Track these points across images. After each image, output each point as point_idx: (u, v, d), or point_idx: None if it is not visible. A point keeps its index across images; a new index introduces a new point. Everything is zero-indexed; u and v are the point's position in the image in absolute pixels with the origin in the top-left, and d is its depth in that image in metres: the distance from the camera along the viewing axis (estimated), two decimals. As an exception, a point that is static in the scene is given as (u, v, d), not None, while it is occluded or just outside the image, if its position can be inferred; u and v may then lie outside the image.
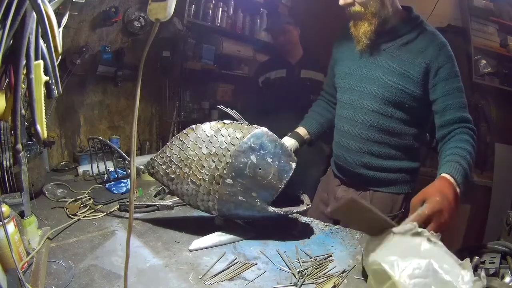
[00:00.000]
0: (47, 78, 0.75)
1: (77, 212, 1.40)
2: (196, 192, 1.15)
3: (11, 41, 0.71)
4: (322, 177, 1.75)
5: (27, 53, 0.71)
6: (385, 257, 0.79)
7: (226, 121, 1.16)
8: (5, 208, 0.91)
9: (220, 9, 2.88)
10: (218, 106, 1.22)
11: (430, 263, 0.74)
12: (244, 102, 2.87)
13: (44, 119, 0.76)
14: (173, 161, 1.17)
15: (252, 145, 1.11)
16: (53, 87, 0.78)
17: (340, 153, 1.52)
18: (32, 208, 1.15)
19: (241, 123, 1.16)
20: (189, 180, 1.15)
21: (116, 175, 1.50)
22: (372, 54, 1.36)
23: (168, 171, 1.18)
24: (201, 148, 1.13)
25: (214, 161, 1.12)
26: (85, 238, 1.21)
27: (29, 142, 1.76)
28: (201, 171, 1.13)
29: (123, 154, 1.34)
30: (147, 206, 1.48)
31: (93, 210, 1.44)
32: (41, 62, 0.73)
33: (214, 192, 1.13)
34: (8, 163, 1.06)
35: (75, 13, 1.53)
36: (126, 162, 1.39)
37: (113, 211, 1.44)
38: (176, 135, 1.18)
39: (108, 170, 1.53)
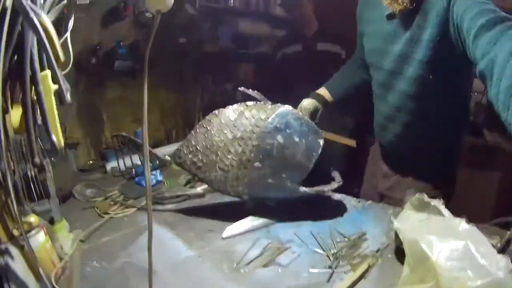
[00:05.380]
0: (57, 86, 0.73)
1: (108, 210, 1.41)
2: (225, 178, 1.13)
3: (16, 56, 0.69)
4: (372, 146, 1.66)
5: (31, 65, 0.69)
6: (424, 236, 0.75)
7: (249, 103, 1.12)
8: (33, 218, 0.92)
9: None
10: (239, 88, 1.18)
11: (467, 245, 0.70)
12: (267, 80, 2.82)
13: (58, 128, 0.74)
14: (199, 149, 1.15)
15: (278, 125, 1.07)
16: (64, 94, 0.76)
17: (376, 128, 1.45)
18: (62, 212, 1.19)
19: (264, 103, 1.12)
20: (216, 167, 1.13)
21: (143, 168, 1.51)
22: (403, 24, 1.15)
23: (195, 160, 1.17)
24: (225, 133, 1.11)
25: (240, 145, 1.09)
26: (118, 236, 1.21)
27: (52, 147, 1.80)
28: (228, 156, 1.10)
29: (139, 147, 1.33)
30: (178, 196, 1.47)
31: (124, 207, 1.45)
32: (47, 72, 0.71)
33: (243, 177, 1.11)
34: (32, 172, 1.06)
35: (82, 16, 1.50)
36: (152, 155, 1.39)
37: (144, 204, 1.45)
38: (200, 122, 1.16)
39: (136, 164, 1.53)
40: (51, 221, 1.09)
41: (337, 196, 1.39)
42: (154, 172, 1.70)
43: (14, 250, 0.84)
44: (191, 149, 1.17)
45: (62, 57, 0.71)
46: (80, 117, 2.14)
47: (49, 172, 1.10)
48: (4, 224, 0.90)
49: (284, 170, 1.09)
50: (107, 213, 1.39)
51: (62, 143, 0.75)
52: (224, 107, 1.15)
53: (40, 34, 0.61)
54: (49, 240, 0.97)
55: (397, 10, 1.10)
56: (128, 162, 1.54)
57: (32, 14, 0.60)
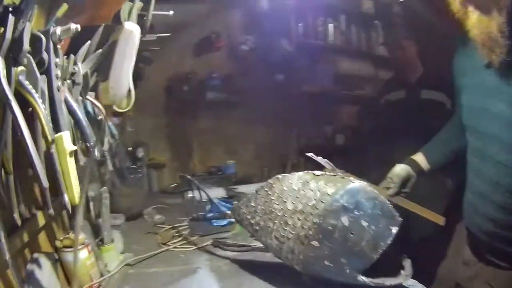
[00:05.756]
0: (74, 147, 0.75)
1: (169, 242, 1.44)
2: (279, 249, 1.04)
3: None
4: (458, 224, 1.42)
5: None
6: None
7: (317, 172, 1.02)
8: (81, 236, 1.03)
9: (331, 25, 2.71)
10: (307, 154, 1.09)
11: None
12: (368, 126, 2.64)
13: (74, 187, 0.75)
14: (257, 212, 1.09)
15: (346, 204, 0.94)
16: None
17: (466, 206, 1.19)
18: (125, 230, 1.35)
19: (335, 175, 1.00)
20: (272, 235, 1.05)
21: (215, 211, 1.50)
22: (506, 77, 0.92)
23: (253, 222, 1.11)
24: (286, 202, 1.02)
25: (300, 219, 0.99)
26: (165, 271, 1.21)
27: (132, 166, 1.98)
28: (285, 228, 1.01)
29: (209, 195, 1.32)
30: (240, 245, 1.42)
31: (185, 242, 1.46)
32: (62, 134, 0.73)
33: (299, 253, 1.00)
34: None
35: (156, 48, 1.62)
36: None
37: (206, 245, 1.44)
38: (262, 184, 1.10)
39: (216, 199, 1.51)
40: (102, 241, 1.21)
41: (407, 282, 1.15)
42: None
43: (44, 260, 0.93)
44: (250, 209, 1.11)
45: (49, 136, 0.70)
46: (169, 140, 2.32)
47: (106, 199, 1.22)
48: (51, 235, 1.06)
49: (344, 255, 0.94)
50: (167, 244, 1.42)
51: (77, 201, 0.77)
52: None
53: (16, 117, 0.61)
54: (91, 258, 1.07)
55: (495, 61, 0.90)
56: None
57: (10, 100, 0.59)
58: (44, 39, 0.69)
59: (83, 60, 0.90)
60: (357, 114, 2.94)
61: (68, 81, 0.86)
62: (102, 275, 1.11)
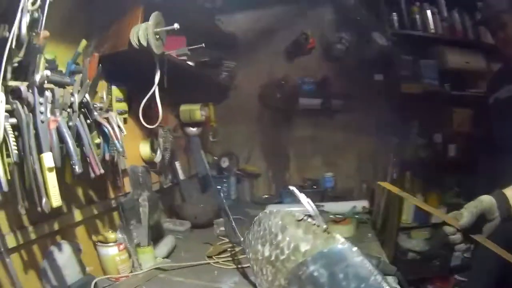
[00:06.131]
0: (53, 165, 0.88)
1: (215, 255, 1.41)
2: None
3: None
4: None
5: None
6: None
7: (298, 216, 0.78)
8: (113, 236, 1.24)
9: (429, 11, 2.11)
10: (290, 187, 0.85)
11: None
12: (482, 133, 1.97)
13: (52, 194, 0.88)
14: (250, 248, 0.93)
15: (315, 273, 0.68)
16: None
17: None
18: (187, 235, 1.58)
19: (317, 224, 0.74)
20: (256, 277, 0.88)
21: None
22: None
23: (248, 256, 0.96)
24: (265, 246, 0.83)
25: (271, 273, 0.78)
26: (190, 283, 1.20)
27: (218, 175, 2.03)
28: (262, 276, 0.83)
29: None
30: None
31: (230, 259, 1.40)
32: (43, 155, 0.87)
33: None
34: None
35: (232, 65, 1.57)
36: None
37: (246, 267, 1.34)
38: (256, 217, 0.93)
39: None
40: (139, 244, 1.33)
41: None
42: None
43: (66, 246, 1.12)
44: (247, 242, 0.97)
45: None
46: (264, 150, 2.27)
47: (144, 207, 1.36)
48: (93, 230, 1.28)
49: None
50: (211, 258, 1.40)
51: (55, 204, 0.89)
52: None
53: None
54: (122, 255, 1.24)
55: None
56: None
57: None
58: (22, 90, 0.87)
59: (78, 91, 1.00)
60: (472, 118, 2.21)
61: (69, 109, 1.01)
62: (131, 272, 1.26)
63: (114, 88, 1.40)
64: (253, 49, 2.23)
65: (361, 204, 1.91)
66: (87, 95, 1.06)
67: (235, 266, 1.34)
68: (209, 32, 1.89)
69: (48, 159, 0.88)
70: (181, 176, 1.81)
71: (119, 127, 1.20)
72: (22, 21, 0.82)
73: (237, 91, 2.34)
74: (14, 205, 0.91)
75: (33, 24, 0.86)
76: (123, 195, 1.46)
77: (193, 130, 1.97)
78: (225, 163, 2.19)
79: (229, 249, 1.50)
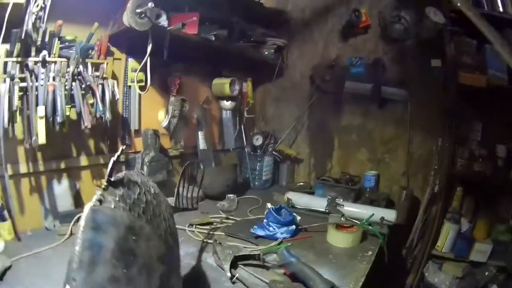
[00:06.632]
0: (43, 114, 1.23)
1: (195, 224, 1.49)
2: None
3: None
4: None
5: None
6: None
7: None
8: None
9: None
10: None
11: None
12: None
13: (39, 133, 1.21)
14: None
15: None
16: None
17: None
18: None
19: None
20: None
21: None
22: None
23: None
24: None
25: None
26: None
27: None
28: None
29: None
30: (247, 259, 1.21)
31: (207, 231, 1.44)
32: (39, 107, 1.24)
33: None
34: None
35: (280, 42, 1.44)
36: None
37: (210, 242, 1.36)
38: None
39: None
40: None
41: None
42: (276, 226, 1.45)
43: (65, 183, 1.42)
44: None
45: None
46: (310, 134, 2.10)
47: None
48: (95, 175, 1.53)
49: None
50: (193, 226, 1.48)
51: (41, 142, 1.22)
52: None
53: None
54: None
55: None
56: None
57: None
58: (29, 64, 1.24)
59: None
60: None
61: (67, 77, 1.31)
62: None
63: (130, 60, 1.59)
64: (308, 27, 2.06)
65: (386, 214, 1.60)
66: (81, 67, 1.33)
67: (201, 239, 1.38)
68: (248, 8, 1.85)
69: (40, 110, 1.22)
70: (201, 145, 1.89)
71: (113, 92, 1.39)
72: (28, 20, 1.15)
73: (290, 71, 2.23)
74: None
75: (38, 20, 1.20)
76: (133, 153, 1.68)
77: (226, 104, 2.00)
78: (257, 140, 2.13)
79: (214, 224, 1.55)
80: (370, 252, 1.35)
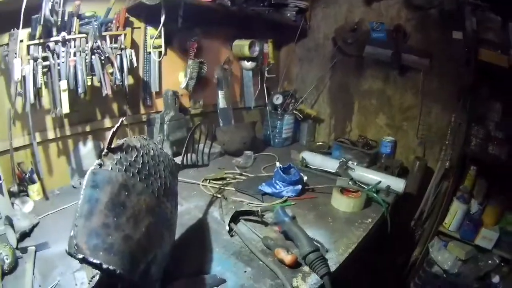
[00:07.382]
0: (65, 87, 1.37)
1: (209, 179, 1.60)
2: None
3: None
4: None
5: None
6: None
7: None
8: None
9: None
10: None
11: None
12: None
13: (63, 104, 1.36)
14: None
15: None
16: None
17: None
18: (214, 160, 1.79)
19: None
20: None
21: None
22: None
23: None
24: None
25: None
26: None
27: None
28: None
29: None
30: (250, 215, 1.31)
31: (220, 186, 1.56)
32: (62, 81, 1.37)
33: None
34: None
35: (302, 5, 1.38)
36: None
37: (218, 197, 1.47)
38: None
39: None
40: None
41: None
42: (283, 185, 1.52)
43: (90, 143, 1.58)
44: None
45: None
46: (331, 95, 2.09)
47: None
48: (119, 135, 1.57)
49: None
50: (206, 179, 1.61)
51: (65, 112, 1.36)
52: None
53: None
54: None
55: None
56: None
57: None
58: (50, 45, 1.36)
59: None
60: None
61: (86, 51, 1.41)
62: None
63: (149, 28, 1.66)
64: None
65: (394, 182, 1.61)
66: (99, 41, 1.42)
67: (212, 193, 1.50)
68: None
69: (63, 84, 1.36)
70: (221, 104, 1.97)
71: (131, 61, 1.51)
72: (45, 7, 1.24)
73: (314, 32, 2.19)
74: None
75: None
76: (154, 112, 1.80)
77: (246, 64, 2.03)
78: (278, 100, 2.16)
79: (226, 179, 1.65)
80: (369, 220, 1.35)
